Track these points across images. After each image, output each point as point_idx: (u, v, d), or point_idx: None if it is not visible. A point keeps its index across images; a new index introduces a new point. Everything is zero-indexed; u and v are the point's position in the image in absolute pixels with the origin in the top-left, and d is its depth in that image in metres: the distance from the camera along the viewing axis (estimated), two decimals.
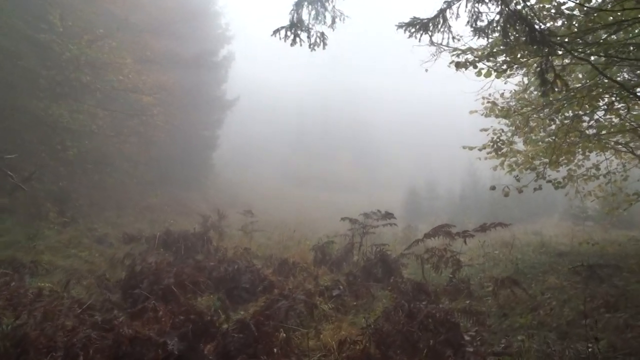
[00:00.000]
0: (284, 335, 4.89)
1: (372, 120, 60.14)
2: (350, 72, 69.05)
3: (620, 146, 11.47)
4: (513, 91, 9.21)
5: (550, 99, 8.28)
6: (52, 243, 10.00)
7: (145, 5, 17.70)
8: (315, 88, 64.52)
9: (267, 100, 58.38)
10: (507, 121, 9.53)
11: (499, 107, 9.05)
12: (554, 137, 9.01)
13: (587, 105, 8.68)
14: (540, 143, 10.15)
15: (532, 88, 8.81)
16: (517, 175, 10.01)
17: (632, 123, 9.52)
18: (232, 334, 4.31)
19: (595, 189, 12.91)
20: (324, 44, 5.57)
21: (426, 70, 8.48)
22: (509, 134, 9.52)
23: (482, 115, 9.83)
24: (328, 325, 5.56)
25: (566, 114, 8.89)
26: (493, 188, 9.14)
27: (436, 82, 61.57)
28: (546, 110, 8.77)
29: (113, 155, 21.15)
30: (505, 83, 9.33)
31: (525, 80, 8.90)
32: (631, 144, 11.17)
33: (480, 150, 9.67)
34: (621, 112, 9.22)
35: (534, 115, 9.17)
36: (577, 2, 6.95)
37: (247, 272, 7.51)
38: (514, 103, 9.08)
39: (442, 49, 7.69)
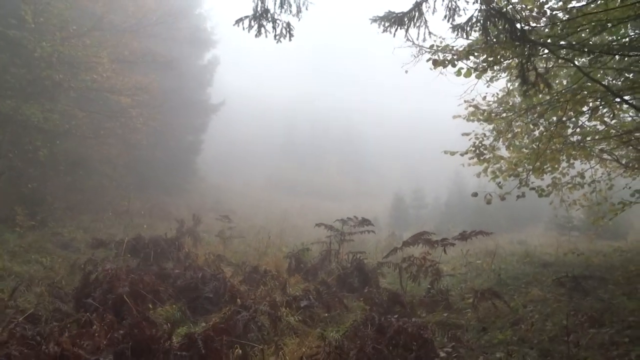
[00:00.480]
0: (240, 351, 4.46)
1: (360, 128, 59.97)
2: (337, 81, 69.02)
3: (605, 154, 11.25)
4: (496, 95, 8.90)
5: (534, 102, 7.99)
6: (11, 247, 9.44)
7: (125, 4, 17.24)
8: (304, 96, 64.30)
9: (256, 108, 58.00)
10: (490, 126, 9.22)
11: (480, 111, 8.73)
12: (537, 144, 8.70)
13: (571, 112, 8.41)
14: (523, 149, 9.87)
15: (515, 92, 8.51)
16: (500, 182, 9.69)
17: (617, 130, 9.27)
18: (177, 351, 3.87)
19: (580, 198, 12.69)
20: (290, 35, 5.19)
21: (406, 71, 8.16)
22: (492, 139, 9.20)
23: (465, 120, 9.51)
24: (292, 339, 5.13)
25: (550, 120, 8.59)
26: (475, 195, 8.80)
27: (422, 90, 61.98)
28: (529, 114, 8.46)
29: (91, 157, 20.62)
30: (487, 86, 9.03)
31: (509, 85, 8.60)
32: (616, 152, 10.94)
33: (462, 155, 9.34)
34: (606, 118, 8.96)
35: (517, 121, 8.87)
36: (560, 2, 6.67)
37: (213, 280, 7.05)
38: (496, 107, 8.76)
39: (423, 51, 7.38)
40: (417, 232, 8.13)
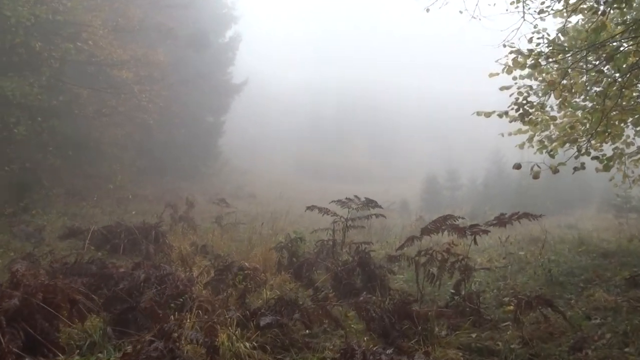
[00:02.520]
0: None
1: (390, 109, 57.11)
2: (366, 63, 66.17)
3: None
4: (546, 34, 6.70)
5: (601, 38, 5.81)
6: None
7: None
8: (330, 78, 61.91)
9: (278, 91, 56.07)
10: (537, 78, 7.06)
11: (525, 56, 6.57)
12: (603, 99, 6.49)
13: None
14: (583, 108, 7.64)
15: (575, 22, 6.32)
16: (551, 151, 7.53)
17: None
18: None
19: None
20: None
21: (427, 10, 6.20)
22: (539, 94, 7.02)
23: (504, 72, 7.37)
24: None
25: (622, 65, 6.34)
26: (518, 167, 6.73)
27: (457, 69, 58.69)
28: (592, 57, 6.27)
29: (99, 139, 19.37)
30: (534, 26, 6.88)
31: (566, 13, 6.40)
32: None
33: (500, 116, 7.21)
34: None
35: (576, 68, 6.67)
36: None
37: (165, 282, 5.32)
38: (547, 50, 6.58)
39: None
40: (441, 216, 6.15)
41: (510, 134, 9.22)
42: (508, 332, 4.62)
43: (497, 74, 7.60)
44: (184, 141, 27.85)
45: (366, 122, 54.38)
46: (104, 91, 16.50)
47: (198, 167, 29.20)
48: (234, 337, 3.87)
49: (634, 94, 7.16)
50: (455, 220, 6.09)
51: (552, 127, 8.91)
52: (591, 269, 7.27)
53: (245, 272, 5.95)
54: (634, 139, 9.16)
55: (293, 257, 7.11)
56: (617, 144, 8.79)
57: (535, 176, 6.72)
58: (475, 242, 5.53)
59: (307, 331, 4.73)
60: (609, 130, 7.10)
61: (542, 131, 8.91)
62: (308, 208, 6.99)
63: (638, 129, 9.23)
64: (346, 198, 7.01)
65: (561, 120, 8.48)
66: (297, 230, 8.68)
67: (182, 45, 24.12)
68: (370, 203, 6.73)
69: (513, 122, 7.71)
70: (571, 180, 24.88)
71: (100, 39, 14.41)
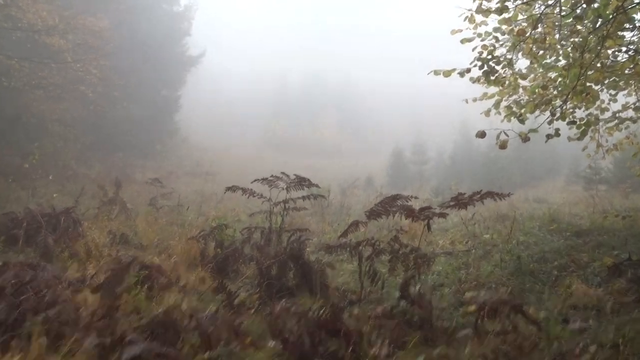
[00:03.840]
0: None
1: (359, 82, 55.60)
2: (334, 35, 64.25)
3: None
4: None
5: None
6: None
7: None
8: (298, 51, 59.83)
9: (246, 62, 53.98)
10: (503, 29, 5.92)
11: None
12: (581, 51, 5.41)
13: None
14: (555, 68, 6.58)
15: None
16: (521, 117, 6.48)
17: None
18: None
19: (622, 141, 9.67)
20: None
21: None
22: (507, 48, 5.89)
23: (467, 21, 6.20)
24: None
25: (604, 11, 5.23)
26: (482, 135, 5.64)
27: (429, 39, 57.44)
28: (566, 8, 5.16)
29: (39, 115, 17.64)
30: None
31: None
32: None
33: (462, 75, 6.06)
34: None
35: (549, 17, 5.57)
36: None
37: (29, 291, 4.08)
38: None
39: None
40: (389, 196, 5.05)
41: (475, 100, 8.20)
42: (467, 349, 3.56)
43: (460, 30, 6.44)
44: (137, 116, 26.09)
45: (335, 96, 52.89)
46: (30, 60, 14.72)
47: (153, 143, 27.52)
48: None
49: (615, 49, 6.13)
50: (408, 200, 5.00)
51: (520, 90, 7.93)
52: (565, 252, 6.34)
53: (148, 270, 4.74)
54: (609, 104, 8.26)
55: (218, 249, 5.92)
56: (591, 110, 7.86)
57: (502, 145, 5.66)
58: (429, 228, 4.45)
59: (207, 354, 3.58)
60: (587, 90, 6.06)
61: (510, 95, 7.91)
62: (229, 189, 5.75)
63: (614, 92, 8.36)
64: (272, 176, 5.78)
65: (531, 84, 7.45)
66: (221, 217, 7.46)
67: (125, 10, 22.24)
68: (302, 182, 5.54)
69: (478, 85, 6.62)
70: (539, 152, 24.35)
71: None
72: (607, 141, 9.46)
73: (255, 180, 5.77)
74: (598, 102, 7.79)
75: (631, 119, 8.04)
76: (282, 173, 5.56)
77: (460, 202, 4.28)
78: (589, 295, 4.61)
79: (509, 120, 7.67)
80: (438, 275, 5.81)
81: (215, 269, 5.53)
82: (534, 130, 5.61)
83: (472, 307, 4.12)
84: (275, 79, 54.04)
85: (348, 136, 45.84)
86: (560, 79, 5.69)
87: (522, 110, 7.41)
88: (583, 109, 7.46)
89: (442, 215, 4.50)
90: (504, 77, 6.02)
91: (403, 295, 4.14)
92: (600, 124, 8.70)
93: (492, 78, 5.81)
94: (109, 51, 17.55)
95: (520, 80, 6.40)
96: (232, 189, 5.60)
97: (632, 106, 8.27)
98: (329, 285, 5.04)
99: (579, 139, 7.61)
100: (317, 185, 5.56)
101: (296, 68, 55.23)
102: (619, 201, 12.31)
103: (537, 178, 22.90)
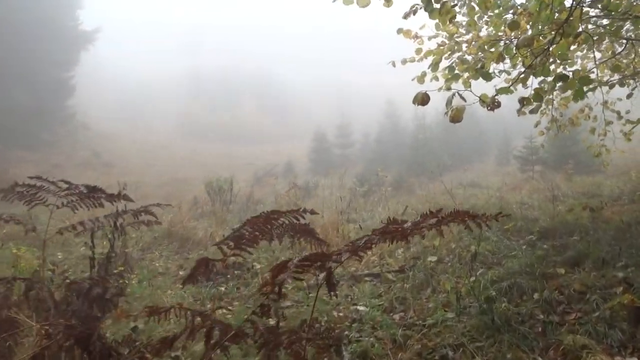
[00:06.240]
0: None
1: (273, 64, 52.61)
2: (249, 10, 60.78)
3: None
4: None
5: None
6: None
7: None
8: (211, 29, 55.86)
9: (150, 42, 49.29)
10: None
11: None
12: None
13: None
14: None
15: None
16: (468, 76, 4.36)
17: None
18: None
19: (577, 115, 8.26)
20: None
21: None
22: None
23: None
24: None
25: None
26: (423, 100, 3.32)
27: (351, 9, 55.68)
28: None
29: None
30: None
31: None
32: None
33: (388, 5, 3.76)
34: None
35: None
36: None
37: None
38: None
39: None
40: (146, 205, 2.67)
41: (404, 63, 6.17)
42: None
43: None
44: (15, 101, 22.04)
45: (253, 79, 49.67)
46: None
47: (38, 132, 23.47)
48: None
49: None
50: (301, 218, 2.68)
51: (464, 46, 5.95)
52: (540, 273, 4.29)
53: None
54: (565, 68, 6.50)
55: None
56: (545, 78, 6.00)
57: (456, 116, 3.44)
58: (330, 288, 2.12)
59: None
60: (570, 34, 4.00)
61: (452, 51, 5.87)
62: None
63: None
64: (28, 185, 3.09)
65: (485, 32, 5.39)
66: None
67: None
68: (93, 192, 2.95)
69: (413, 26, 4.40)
70: (466, 132, 23.16)
71: None
72: (562, 115, 7.95)
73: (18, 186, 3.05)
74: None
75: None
76: (63, 180, 2.93)
77: (354, 250, 2.01)
78: None
79: (449, 88, 5.60)
80: (359, 331, 3.53)
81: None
82: (507, 90, 3.44)
83: None
84: (184, 58, 49.84)
85: (270, 120, 43.06)
86: (541, 11, 3.51)
87: (470, 71, 5.38)
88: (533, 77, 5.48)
89: (358, 257, 2.19)
90: (454, 4, 3.78)
91: None
92: (555, 93, 7.11)
93: (437, 6, 3.56)
94: None
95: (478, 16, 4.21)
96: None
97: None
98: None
99: (534, 109, 5.74)
100: (111, 193, 2.92)
101: (210, 48, 51.39)
102: (564, 184, 10.80)
103: (466, 160, 21.52)
